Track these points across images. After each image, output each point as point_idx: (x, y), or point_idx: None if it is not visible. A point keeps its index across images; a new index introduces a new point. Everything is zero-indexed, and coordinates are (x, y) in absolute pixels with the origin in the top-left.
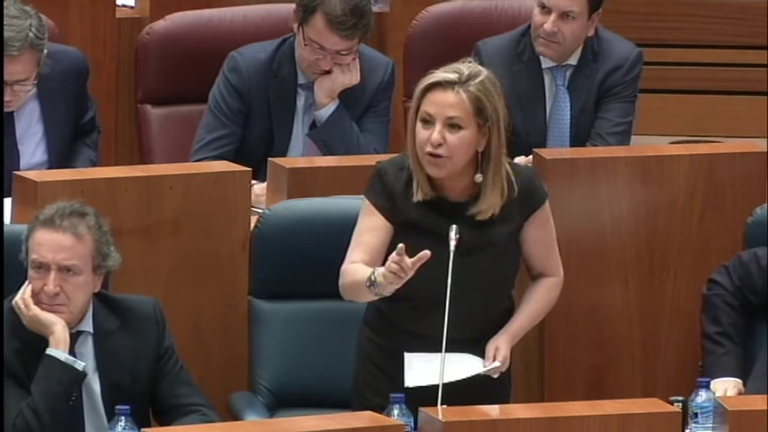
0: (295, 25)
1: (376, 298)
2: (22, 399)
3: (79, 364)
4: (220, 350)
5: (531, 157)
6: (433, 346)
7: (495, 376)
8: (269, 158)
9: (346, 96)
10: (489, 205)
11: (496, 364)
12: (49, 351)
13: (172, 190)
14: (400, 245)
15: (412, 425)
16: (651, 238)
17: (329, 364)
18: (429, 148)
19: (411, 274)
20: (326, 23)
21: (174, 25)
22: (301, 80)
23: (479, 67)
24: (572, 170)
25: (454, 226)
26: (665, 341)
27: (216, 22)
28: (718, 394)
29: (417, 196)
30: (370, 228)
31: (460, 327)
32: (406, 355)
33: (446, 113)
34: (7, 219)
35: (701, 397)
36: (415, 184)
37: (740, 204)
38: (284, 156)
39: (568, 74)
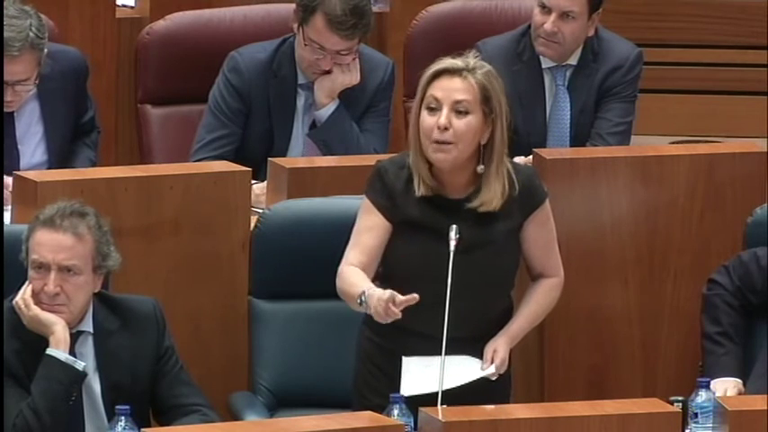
0: (295, 25)
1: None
2: (22, 399)
3: (79, 364)
4: (220, 350)
5: (530, 157)
6: (433, 346)
7: (494, 379)
8: (269, 158)
9: (346, 96)
10: (491, 197)
11: (492, 369)
12: (49, 351)
13: (172, 190)
14: (413, 295)
15: (412, 425)
16: (651, 238)
17: (329, 364)
18: (436, 134)
19: (398, 316)
20: (326, 23)
21: (174, 25)
22: (301, 80)
23: (483, 62)
24: (572, 170)
25: (454, 226)
26: (665, 341)
27: (216, 22)
28: (718, 394)
29: (419, 191)
30: (369, 227)
31: (460, 325)
32: (405, 360)
33: (454, 97)
34: (7, 219)
35: (701, 397)
36: (416, 179)
37: (740, 204)
38: (284, 156)
39: (568, 74)
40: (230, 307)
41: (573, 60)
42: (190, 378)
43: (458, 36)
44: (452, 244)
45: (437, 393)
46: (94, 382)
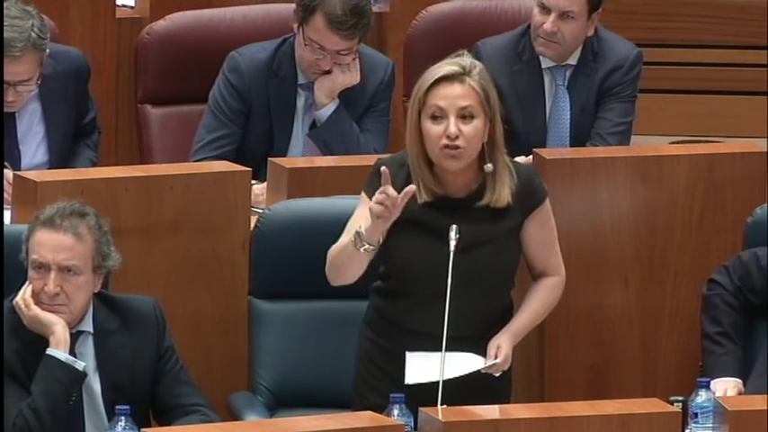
0: (295, 25)
1: (364, 257)
2: (22, 399)
3: (79, 365)
4: (220, 350)
5: (530, 157)
6: (433, 345)
7: (497, 374)
8: (269, 158)
9: (346, 96)
10: (504, 193)
11: (497, 361)
12: (49, 351)
13: (172, 190)
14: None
15: (412, 425)
16: (651, 238)
17: (329, 364)
18: (445, 141)
19: (397, 213)
20: (326, 23)
21: (174, 25)
22: (301, 80)
23: (472, 59)
24: (572, 170)
25: (454, 226)
26: (665, 341)
27: (216, 22)
28: (718, 394)
29: (422, 198)
30: (365, 218)
31: (460, 324)
32: (408, 354)
33: (458, 104)
34: (7, 219)
35: (701, 397)
36: (418, 186)
37: (740, 204)
38: (284, 156)
39: (568, 74)
40: (230, 307)
41: (573, 60)
42: (190, 378)
43: (458, 36)
44: (452, 244)
45: (437, 389)
46: (94, 382)
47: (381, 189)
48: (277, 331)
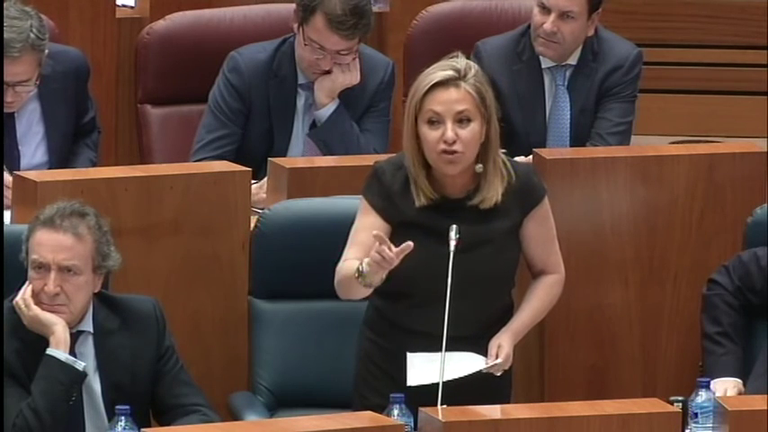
0: (295, 25)
1: (368, 290)
2: (22, 399)
3: (79, 365)
4: (220, 350)
5: (531, 157)
6: (434, 345)
7: (498, 374)
8: (269, 158)
9: (346, 96)
10: (492, 194)
11: (498, 360)
12: (49, 351)
13: (172, 190)
14: (408, 244)
15: (412, 425)
16: (651, 238)
17: (329, 364)
18: (443, 146)
19: (395, 263)
20: (326, 23)
21: (174, 25)
22: (301, 80)
23: (468, 60)
24: (572, 170)
25: (454, 226)
26: (665, 341)
27: (216, 22)
28: (718, 394)
29: (420, 201)
30: (367, 227)
31: (460, 324)
32: (409, 355)
33: (455, 109)
34: (7, 219)
35: (701, 397)
36: (414, 189)
37: (740, 204)
38: (284, 156)
39: (568, 74)
40: (230, 307)
41: (573, 60)
42: (190, 378)
43: (458, 36)
44: (452, 244)
45: (438, 390)
46: (95, 382)
47: (378, 249)
48: (277, 331)
